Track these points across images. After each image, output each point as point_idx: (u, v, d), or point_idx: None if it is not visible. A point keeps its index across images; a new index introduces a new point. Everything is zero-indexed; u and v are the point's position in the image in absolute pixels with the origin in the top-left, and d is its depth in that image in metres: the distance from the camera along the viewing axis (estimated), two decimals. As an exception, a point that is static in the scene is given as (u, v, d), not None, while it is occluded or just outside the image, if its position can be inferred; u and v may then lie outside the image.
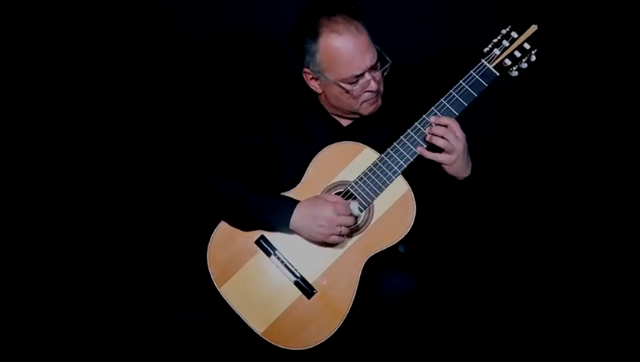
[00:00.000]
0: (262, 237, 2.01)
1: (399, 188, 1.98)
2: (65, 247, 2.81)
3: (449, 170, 1.94)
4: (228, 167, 2.08)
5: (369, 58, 1.94)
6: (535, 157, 2.76)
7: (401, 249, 2.21)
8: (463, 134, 1.92)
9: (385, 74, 2.00)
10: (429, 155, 1.93)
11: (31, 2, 2.68)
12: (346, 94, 1.97)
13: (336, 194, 2.00)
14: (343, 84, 1.96)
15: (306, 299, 1.97)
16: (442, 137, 1.91)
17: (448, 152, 1.91)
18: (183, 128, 2.81)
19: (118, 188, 2.84)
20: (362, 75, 1.95)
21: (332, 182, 2.01)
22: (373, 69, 1.96)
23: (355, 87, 1.96)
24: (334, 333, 1.94)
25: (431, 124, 1.94)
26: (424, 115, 1.96)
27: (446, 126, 1.92)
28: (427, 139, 1.94)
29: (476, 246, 2.83)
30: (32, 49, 2.72)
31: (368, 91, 1.98)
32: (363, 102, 2.00)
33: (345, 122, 2.11)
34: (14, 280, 2.76)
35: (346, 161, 2.01)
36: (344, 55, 1.93)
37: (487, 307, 2.77)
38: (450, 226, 2.76)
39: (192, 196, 2.68)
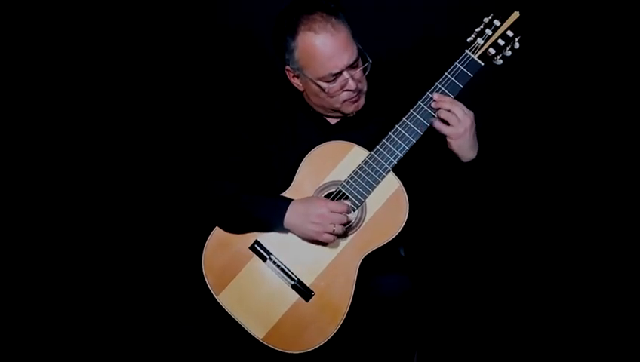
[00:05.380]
0: (256, 242, 2.00)
1: (391, 185, 1.97)
2: (60, 257, 2.81)
3: (454, 145, 1.91)
4: (220, 168, 2.07)
5: (347, 57, 1.93)
6: (526, 151, 2.75)
7: (401, 251, 2.21)
8: (471, 112, 1.91)
9: (366, 73, 1.99)
10: (437, 125, 1.90)
11: (31, 2, 2.68)
12: (323, 93, 1.97)
13: (327, 194, 1.99)
14: (320, 83, 1.96)
15: (304, 301, 1.96)
16: (449, 111, 1.90)
17: (454, 125, 1.89)
18: (172, 132, 2.80)
19: (112, 198, 2.83)
20: (340, 73, 1.94)
21: (323, 182, 2.00)
22: (352, 67, 1.95)
23: (332, 85, 1.95)
24: (334, 334, 1.94)
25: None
26: (411, 110, 1.95)
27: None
28: (435, 113, 1.92)
29: (471, 246, 2.83)
30: (31, 49, 2.72)
31: (347, 90, 1.97)
32: (344, 101, 2.00)
33: (332, 120, 2.11)
34: (13, 284, 2.77)
35: (335, 161, 2.00)
36: (321, 54, 1.92)
37: (482, 306, 2.78)
38: (445, 225, 2.77)
39: (185, 201, 2.68)
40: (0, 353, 2.59)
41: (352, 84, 1.96)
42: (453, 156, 1.94)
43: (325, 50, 1.92)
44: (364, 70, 1.98)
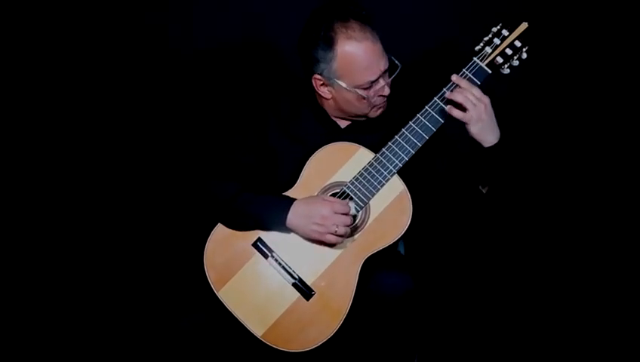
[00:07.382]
0: (259, 239, 2.00)
1: (395, 188, 1.98)
2: (61, 253, 2.80)
3: (473, 129, 1.90)
4: (224, 167, 2.08)
5: (383, 63, 1.96)
6: (529, 156, 2.77)
7: (401, 250, 2.22)
8: (486, 97, 1.91)
9: (392, 76, 2.00)
10: (455, 112, 1.90)
11: (31, 2, 2.68)
12: (361, 99, 1.98)
13: (332, 194, 2.00)
14: (358, 91, 1.97)
15: (305, 300, 1.96)
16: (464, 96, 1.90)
17: (470, 109, 1.89)
18: (177, 129, 2.81)
19: (115, 193, 2.83)
20: (377, 80, 1.96)
21: (328, 182, 2.01)
22: (385, 73, 1.98)
23: (370, 93, 1.97)
24: (333, 334, 1.94)
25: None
26: (418, 115, 1.97)
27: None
28: (447, 96, 1.92)
29: (473, 245, 2.84)
30: (30, 49, 2.72)
31: (381, 95, 2.00)
32: (373, 106, 2.02)
33: (343, 124, 2.12)
34: (14, 284, 2.76)
35: (341, 162, 2.01)
36: (362, 62, 1.94)
37: (484, 306, 2.78)
38: (447, 224, 2.77)
39: (187, 197, 2.68)
40: (0, 353, 2.58)
41: (387, 90, 1.99)
42: (475, 144, 1.93)
43: (366, 58, 1.93)
44: (393, 75, 2.00)
